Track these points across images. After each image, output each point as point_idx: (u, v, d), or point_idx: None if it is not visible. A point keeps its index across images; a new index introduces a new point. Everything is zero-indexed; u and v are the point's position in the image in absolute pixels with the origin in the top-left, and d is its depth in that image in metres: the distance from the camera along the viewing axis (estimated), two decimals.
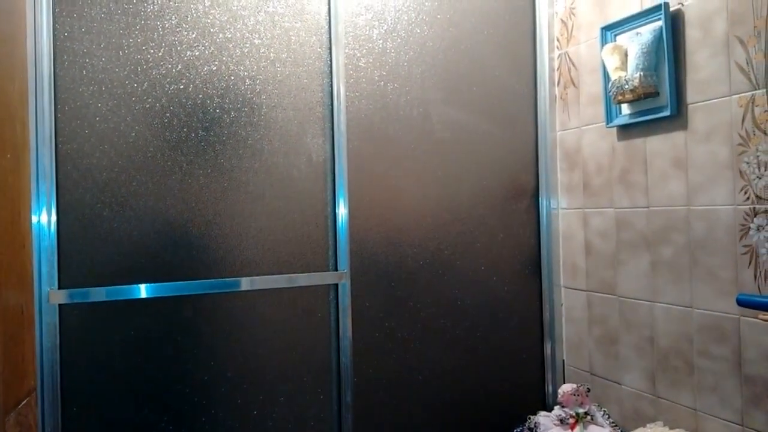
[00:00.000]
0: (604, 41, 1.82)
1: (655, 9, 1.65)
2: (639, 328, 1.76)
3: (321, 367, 1.75)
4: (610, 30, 1.81)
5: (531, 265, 2.05)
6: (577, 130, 1.98)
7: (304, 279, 1.72)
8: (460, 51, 1.94)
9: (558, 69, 2.07)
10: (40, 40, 1.46)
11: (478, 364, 1.96)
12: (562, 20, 2.04)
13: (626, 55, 1.74)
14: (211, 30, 1.64)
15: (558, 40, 2.07)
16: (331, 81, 1.76)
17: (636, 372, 1.77)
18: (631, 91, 1.69)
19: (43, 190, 1.47)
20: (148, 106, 1.58)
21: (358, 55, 1.81)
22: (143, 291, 1.56)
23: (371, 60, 1.82)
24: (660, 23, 1.64)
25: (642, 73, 1.66)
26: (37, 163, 1.46)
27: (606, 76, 1.81)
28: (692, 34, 1.58)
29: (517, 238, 2.02)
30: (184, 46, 1.61)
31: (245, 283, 1.66)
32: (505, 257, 2.00)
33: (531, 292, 2.05)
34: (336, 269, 1.77)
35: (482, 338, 1.97)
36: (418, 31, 1.89)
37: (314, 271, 1.74)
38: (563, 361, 2.08)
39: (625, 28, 1.77)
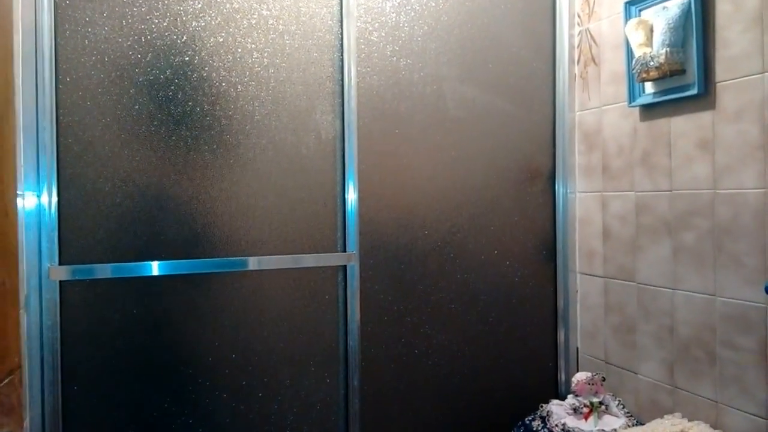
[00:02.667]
0: (628, 16, 1.73)
1: None
2: (658, 316, 1.69)
3: (328, 351, 1.71)
4: (635, 4, 1.72)
5: (546, 249, 1.98)
6: (596, 110, 1.91)
7: (311, 260, 1.67)
8: (477, 26, 1.87)
9: (578, 46, 1.98)
10: (40, 8, 1.41)
11: (489, 351, 1.90)
12: None
13: (651, 30, 1.66)
14: (218, 0, 1.57)
15: (579, 15, 1.98)
16: (342, 55, 1.70)
17: (654, 362, 1.71)
18: (657, 68, 1.61)
19: (44, 164, 1.42)
20: (152, 78, 1.52)
21: (370, 28, 1.74)
22: (151, 268, 1.52)
23: (383, 34, 1.75)
24: None
25: (668, 50, 1.58)
26: (38, 136, 1.42)
27: (629, 53, 1.73)
28: (723, 9, 1.50)
29: (531, 222, 1.95)
30: (189, 16, 1.55)
31: (252, 263, 1.61)
32: (519, 241, 1.94)
33: (545, 277, 1.98)
34: (344, 250, 1.71)
35: (494, 324, 1.91)
36: (433, 4, 1.81)
37: (322, 252, 1.69)
38: (577, 348, 2.02)
39: (651, 3, 1.68)
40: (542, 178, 1.97)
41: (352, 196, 1.70)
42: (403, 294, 1.79)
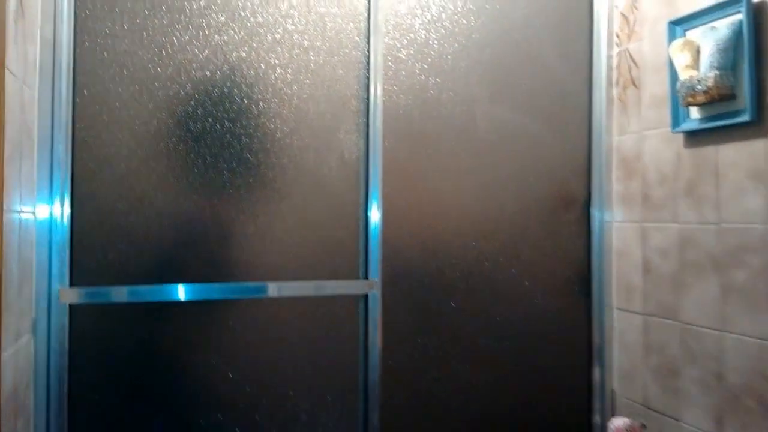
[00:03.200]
0: (672, 37, 1.63)
1: (735, 1, 1.46)
2: (704, 360, 1.56)
3: (347, 384, 1.61)
4: (680, 24, 1.62)
5: (580, 282, 1.86)
6: (637, 135, 1.80)
7: (331, 287, 1.58)
8: (510, 45, 1.78)
9: (617, 67, 1.88)
10: (60, 19, 1.36)
11: (519, 389, 1.78)
12: (623, 14, 1.86)
13: (698, 52, 1.56)
14: (242, 13, 1.52)
15: (617, 35, 1.89)
16: (368, 73, 1.62)
17: (699, 409, 1.57)
18: (704, 92, 1.50)
19: (57, 180, 1.37)
20: (171, 93, 1.47)
21: (399, 45, 1.66)
22: (168, 293, 1.44)
23: (412, 51, 1.68)
24: (740, 17, 1.45)
25: (717, 73, 1.48)
26: (52, 151, 1.36)
27: (673, 75, 1.62)
28: None
29: (565, 252, 1.84)
30: (212, 30, 1.49)
31: (272, 289, 1.53)
32: (552, 272, 1.83)
33: (579, 312, 1.86)
34: (366, 278, 1.62)
35: (524, 360, 1.79)
36: (465, 21, 1.73)
37: (343, 279, 1.60)
38: (613, 390, 1.89)
39: (698, 23, 1.58)
40: (577, 206, 1.86)
41: (375, 220, 1.62)
42: (427, 326, 1.69)
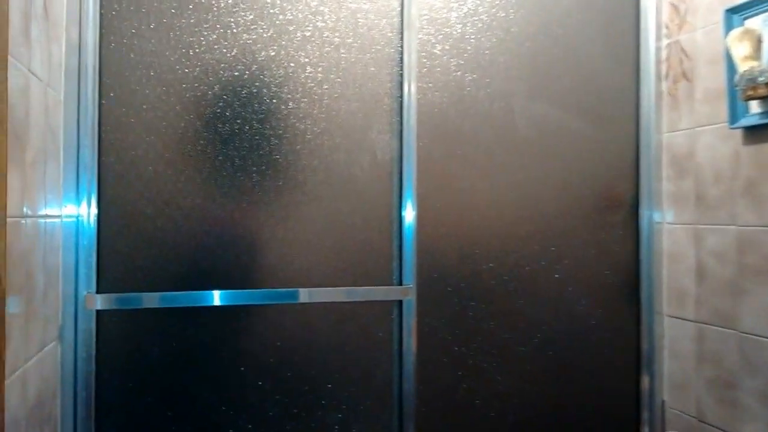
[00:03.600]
0: (729, 26, 1.52)
1: None
2: (766, 371, 1.44)
3: (380, 394, 1.54)
4: (738, 12, 1.51)
5: (627, 287, 1.75)
6: (689, 132, 1.68)
7: (364, 293, 1.52)
8: (551, 38, 1.69)
9: (666, 60, 1.77)
10: (86, 19, 1.34)
11: (561, 399, 1.69)
12: (672, 3, 1.75)
13: (759, 41, 1.44)
14: (271, 11, 1.47)
15: (667, 26, 1.77)
16: (402, 70, 1.55)
17: (762, 423, 1.45)
18: (767, 84, 1.38)
19: (84, 184, 1.34)
20: (199, 94, 1.42)
21: (433, 41, 1.59)
22: (197, 299, 1.40)
23: (447, 47, 1.60)
24: None
25: None
26: (78, 154, 1.34)
27: (731, 67, 1.50)
28: None
29: (611, 256, 1.74)
30: (240, 29, 1.45)
31: (302, 295, 1.47)
32: (597, 277, 1.72)
33: (627, 319, 1.75)
34: (400, 283, 1.55)
35: (568, 370, 1.69)
36: (503, 14, 1.65)
37: (375, 285, 1.54)
38: (663, 401, 1.77)
39: (758, 10, 1.46)
40: (624, 207, 1.75)
41: (409, 222, 1.55)
42: (464, 334, 1.61)
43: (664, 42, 1.78)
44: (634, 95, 1.77)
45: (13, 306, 1.00)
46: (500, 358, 1.64)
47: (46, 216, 1.20)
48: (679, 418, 1.71)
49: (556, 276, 1.68)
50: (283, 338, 1.48)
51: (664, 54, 1.78)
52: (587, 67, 1.72)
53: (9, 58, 0.93)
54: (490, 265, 1.63)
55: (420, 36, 1.57)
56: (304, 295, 1.48)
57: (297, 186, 1.48)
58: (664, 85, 1.77)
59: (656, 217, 1.76)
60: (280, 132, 1.47)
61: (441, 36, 1.59)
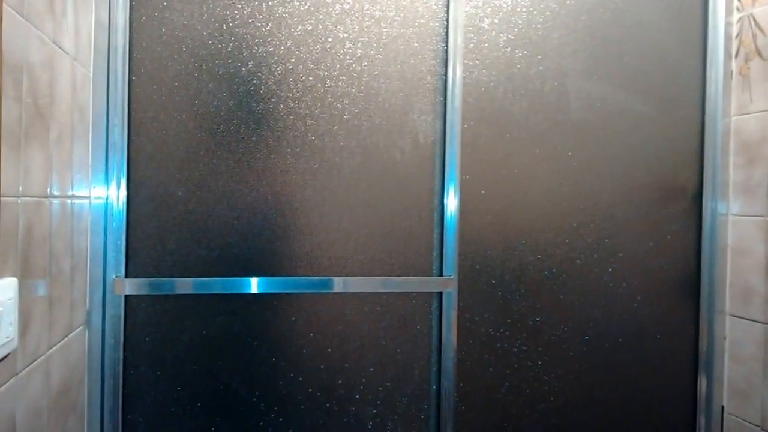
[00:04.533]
0: None
1: None
2: None
3: (418, 391, 1.46)
4: None
5: (687, 283, 1.62)
6: (761, 115, 1.53)
7: (401, 283, 1.43)
8: (609, 12, 1.55)
9: (737, 36, 1.61)
10: None
11: (611, 401, 1.58)
12: None
13: None
14: None
15: None
16: (447, 45, 1.45)
17: None
18: None
19: (113, 164, 1.29)
20: (233, 70, 1.35)
21: (481, 14, 1.48)
22: (229, 285, 1.34)
23: (497, 20, 1.49)
24: None
25: None
26: (107, 134, 1.28)
27: None
28: None
29: (671, 249, 1.60)
30: (275, 2, 1.37)
31: (337, 284, 1.39)
32: (655, 272, 1.59)
33: (685, 317, 1.62)
34: (441, 274, 1.46)
35: (619, 369, 1.58)
36: None
37: (414, 275, 1.45)
38: (723, 407, 1.64)
39: None
40: (686, 196, 1.61)
41: (452, 210, 1.45)
42: (508, 329, 1.51)
43: (735, 16, 1.62)
44: (700, 75, 1.62)
45: (34, 289, 0.94)
46: (546, 356, 1.53)
47: (74, 197, 1.15)
48: (740, 426, 1.58)
49: (610, 270, 1.56)
50: (316, 328, 1.41)
51: (734, 29, 1.62)
52: (648, 44, 1.58)
53: (3, 5, 0.87)
54: (538, 257, 1.52)
55: (467, 9, 1.46)
56: (339, 284, 1.40)
57: (333, 169, 1.40)
58: (734, 64, 1.62)
59: (721, 208, 1.61)
60: (317, 112, 1.39)
61: (489, 9, 1.48)
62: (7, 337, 0.83)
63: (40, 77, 0.96)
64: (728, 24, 1.62)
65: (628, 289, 1.57)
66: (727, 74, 1.62)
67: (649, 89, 1.58)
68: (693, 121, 1.61)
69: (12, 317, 0.84)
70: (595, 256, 1.55)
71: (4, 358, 0.83)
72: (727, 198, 1.62)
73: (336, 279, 1.40)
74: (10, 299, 0.84)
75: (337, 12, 1.40)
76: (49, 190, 1.00)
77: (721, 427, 1.65)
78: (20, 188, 0.88)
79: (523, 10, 1.49)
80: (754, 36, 1.56)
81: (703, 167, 1.62)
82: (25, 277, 0.90)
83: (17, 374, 0.89)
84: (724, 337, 1.64)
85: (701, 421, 1.65)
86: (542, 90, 1.51)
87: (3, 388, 0.84)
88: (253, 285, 1.36)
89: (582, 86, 1.53)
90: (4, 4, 0.80)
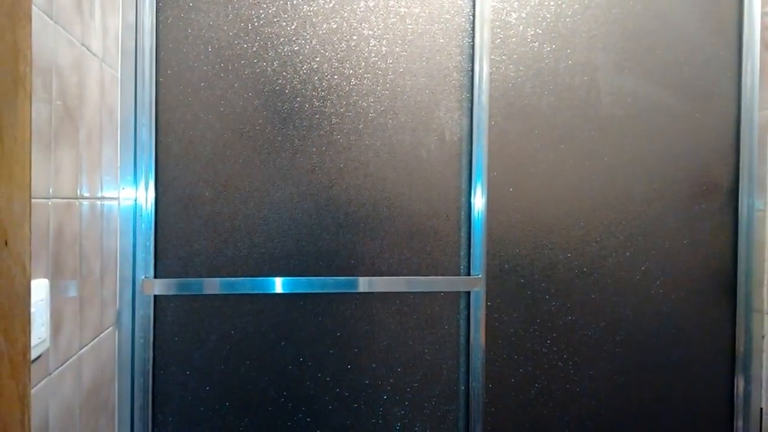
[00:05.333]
0: None
1: None
2: None
3: (446, 392, 1.44)
4: None
5: (723, 282, 1.57)
6: None
7: (428, 283, 1.41)
8: (640, 3, 1.51)
9: None
10: None
11: (645, 402, 1.54)
12: None
13: None
14: None
15: None
16: (473, 41, 1.43)
17: None
18: None
19: (142, 165, 1.30)
20: (258, 70, 1.35)
21: (508, 8, 1.45)
22: (261, 285, 1.34)
23: (524, 14, 1.46)
24: None
25: None
26: (135, 134, 1.29)
27: None
28: None
29: (705, 247, 1.56)
30: (299, 1, 1.36)
31: (362, 284, 1.38)
32: (689, 270, 1.55)
33: (721, 316, 1.58)
34: (468, 274, 1.44)
35: (653, 370, 1.54)
36: None
37: (442, 275, 1.43)
38: (761, 409, 1.59)
39: None
40: (721, 193, 1.57)
41: (479, 208, 1.43)
42: (538, 329, 1.48)
43: None
44: (736, 68, 1.57)
45: (65, 290, 0.95)
46: (578, 356, 1.50)
47: (103, 198, 1.16)
48: None
49: (643, 268, 1.52)
50: (344, 328, 1.40)
51: None
52: (682, 37, 1.54)
53: (33, 7, 0.88)
54: (568, 255, 1.49)
55: (493, 3, 1.44)
56: (365, 283, 1.39)
57: (359, 167, 1.39)
58: None
59: (758, 204, 1.56)
60: (342, 110, 1.38)
61: (516, 3, 1.45)
62: (40, 338, 0.83)
63: (69, 79, 0.96)
64: (764, 14, 1.57)
65: (661, 288, 1.53)
66: (764, 65, 1.57)
67: (682, 83, 1.53)
68: (728, 114, 1.56)
69: (44, 318, 0.85)
70: (627, 254, 1.51)
71: (37, 359, 0.84)
72: (765, 193, 1.57)
73: (362, 279, 1.39)
74: (42, 300, 0.84)
75: (361, 9, 1.39)
76: (79, 191, 1.01)
77: (760, 429, 1.60)
78: (51, 190, 0.89)
79: (552, 3, 1.47)
80: None
81: (739, 162, 1.57)
82: (56, 278, 0.91)
83: (50, 374, 0.89)
84: (762, 337, 1.59)
85: (739, 423, 1.60)
86: (571, 85, 1.48)
87: (36, 388, 0.84)
88: (280, 285, 1.35)
89: (612, 81, 1.50)
90: (33, 6, 0.81)
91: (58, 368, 0.92)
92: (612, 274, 1.51)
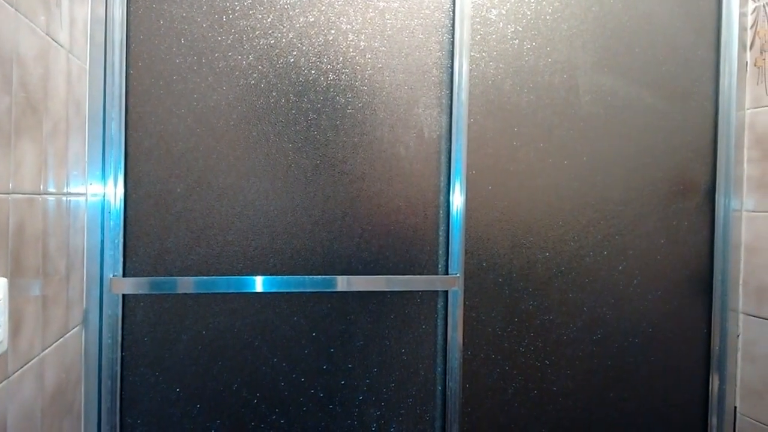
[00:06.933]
0: None
1: None
2: None
3: (423, 392, 1.42)
4: None
5: (699, 281, 1.58)
6: None
7: (405, 282, 1.39)
8: (620, 2, 1.51)
9: (753, 27, 1.57)
10: None
11: (621, 401, 1.54)
12: None
13: None
14: None
15: None
16: (453, 37, 1.41)
17: None
18: None
19: (110, 160, 1.25)
20: (233, 64, 1.32)
21: (488, 5, 1.44)
22: (234, 284, 1.31)
23: (504, 11, 1.45)
24: None
25: None
26: (104, 128, 1.25)
27: None
28: None
29: (682, 247, 1.56)
30: None
31: (340, 283, 1.36)
32: (666, 270, 1.55)
33: (697, 316, 1.58)
34: (446, 273, 1.42)
35: (630, 369, 1.54)
36: None
37: (419, 274, 1.41)
38: (735, 408, 1.60)
39: None
40: (698, 192, 1.57)
41: (458, 207, 1.41)
42: (516, 328, 1.47)
43: (750, 6, 1.57)
44: (713, 66, 1.58)
45: (26, 289, 0.91)
46: (555, 356, 1.50)
47: (69, 194, 1.12)
48: (753, 427, 1.54)
49: (620, 267, 1.52)
50: (319, 328, 1.37)
51: (749, 20, 1.58)
52: (660, 36, 1.54)
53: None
54: (546, 254, 1.48)
55: None
56: (342, 282, 1.37)
57: (336, 165, 1.36)
58: (749, 56, 1.57)
59: (734, 204, 1.57)
60: (319, 106, 1.36)
61: None
62: None
63: (33, 70, 0.92)
64: (743, 14, 1.57)
65: (638, 287, 1.53)
66: (742, 66, 1.57)
67: (660, 82, 1.53)
68: (706, 114, 1.56)
69: (1, 318, 0.81)
70: (605, 253, 1.51)
71: None
72: (741, 193, 1.58)
73: (339, 278, 1.37)
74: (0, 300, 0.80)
75: (340, 3, 1.36)
76: (42, 186, 0.97)
77: (734, 428, 1.61)
78: (10, 185, 0.85)
79: (532, 0, 1.45)
80: None
81: (716, 162, 1.57)
82: (16, 276, 0.87)
83: (8, 377, 0.86)
84: (737, 336, 1.60)
85: (713, 421, 1.61)
86: (551, 83, 1.47)
87: None
88: (254, 284, 1.32)
89: (592, 79, 1.49)
90: None
91: (17, 370, 0.89)
92: (589, 273, 1.50)
